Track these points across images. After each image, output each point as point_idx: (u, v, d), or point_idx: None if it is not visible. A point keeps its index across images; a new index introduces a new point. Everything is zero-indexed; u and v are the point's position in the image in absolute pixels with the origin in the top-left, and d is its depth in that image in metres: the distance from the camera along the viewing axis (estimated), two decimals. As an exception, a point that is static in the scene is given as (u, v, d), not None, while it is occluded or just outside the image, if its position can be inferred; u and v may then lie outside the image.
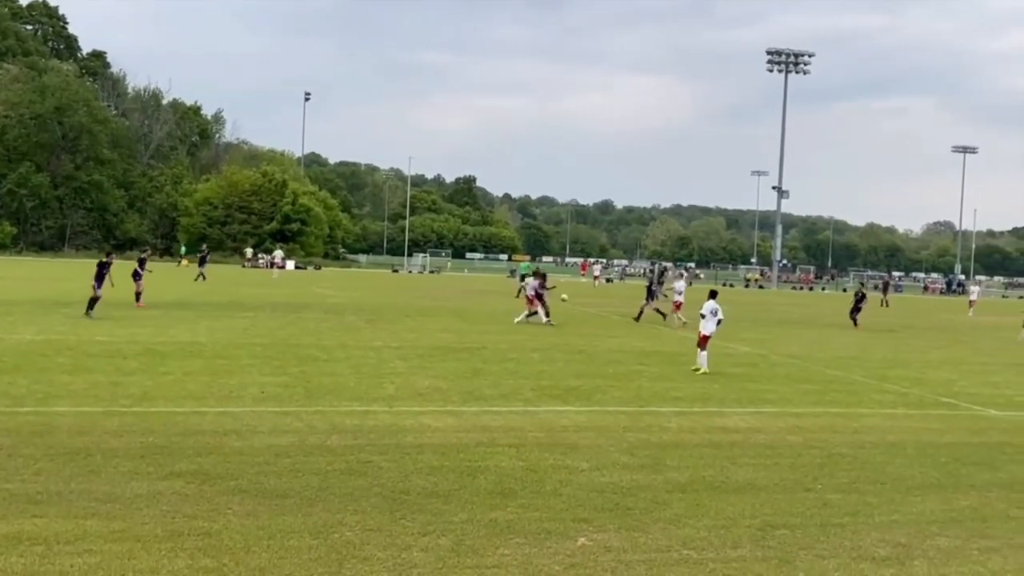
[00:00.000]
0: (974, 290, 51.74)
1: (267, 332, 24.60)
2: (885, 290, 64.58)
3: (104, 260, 28.79)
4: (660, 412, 14.74)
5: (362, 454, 10.88)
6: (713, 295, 20.99)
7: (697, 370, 19.79)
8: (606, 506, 9.16)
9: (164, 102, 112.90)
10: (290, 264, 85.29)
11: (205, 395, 14.50)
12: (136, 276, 31.56)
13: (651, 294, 35.48)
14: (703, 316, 20.31)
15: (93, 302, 26.76)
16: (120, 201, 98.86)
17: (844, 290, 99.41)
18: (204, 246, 64.52)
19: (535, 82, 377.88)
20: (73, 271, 56.34)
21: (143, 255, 33.65)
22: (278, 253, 72.65)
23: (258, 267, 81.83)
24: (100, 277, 27.52)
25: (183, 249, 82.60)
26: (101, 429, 11.62)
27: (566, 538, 8.12)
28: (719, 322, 20.53)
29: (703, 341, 20.02)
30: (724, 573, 7.44)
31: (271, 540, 7.70)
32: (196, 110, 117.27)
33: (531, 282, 32.94)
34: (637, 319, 33.87)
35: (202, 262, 52.42)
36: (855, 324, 36.42)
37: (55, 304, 30.52)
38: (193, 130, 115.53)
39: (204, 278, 49.16)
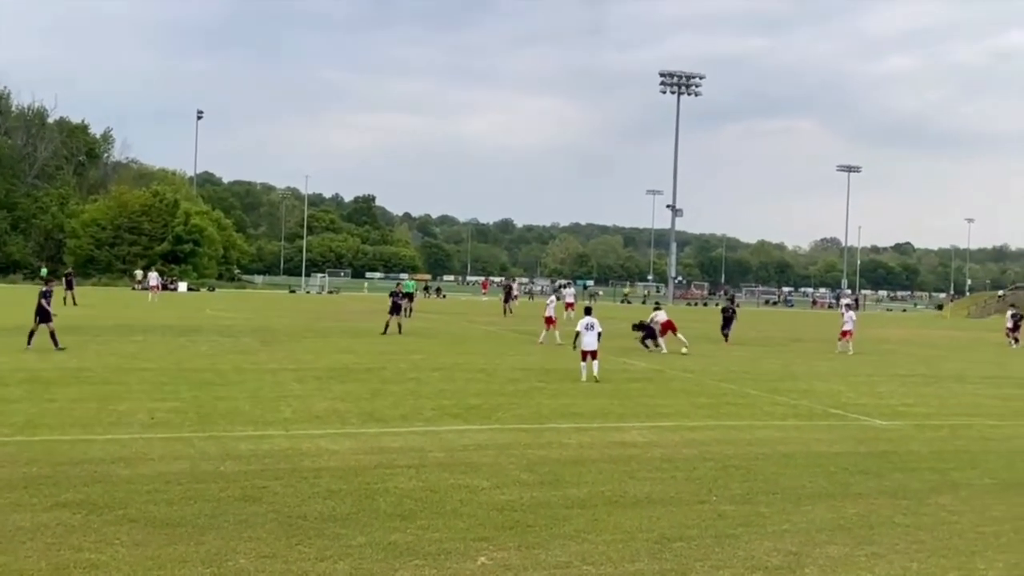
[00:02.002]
0: (849, 316, 35.73)
1: (158, 356, 23.91)
2: (731, 301, 67.18)
3: (45, 289, 26.09)
4: (560, 428, 14.85)
5: (257, 479, 10.64)
6: (588, 311, 22.05)
7: (595, 380, 20.62)
8: (506, 524, 9.17)
9: (50, 120, 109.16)
10: (183, 286, 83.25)
11: (92, 422, 13.99)
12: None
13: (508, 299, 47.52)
14: (579, 332, 21.03)
15: (33, 335, 24.75)
16: (2, 223, 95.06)
17: (737, 306, 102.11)
18: (70, 269, 62.20)
19: (433, 101, 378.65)
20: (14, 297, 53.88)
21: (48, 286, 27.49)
22: (152, 275, 69.11)
23: (149, 290, 79.60)
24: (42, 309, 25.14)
25: (44, 271, 79.66)
26: (-21, 460, 11.10)
27: (466, 558, 8.09)
28: (599, 335, 21.20)
29: (586, 356, 20.90)
30: (622, 587, 7.51)
31: (161, 570, 7.45)
32: (83, 128, 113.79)
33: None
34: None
35: (69, 285, 49.70)
36: (726, 340, 36.47)
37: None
38: (80, 149, 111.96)
39: (75, 302, 47.06)
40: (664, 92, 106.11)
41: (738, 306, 39.06)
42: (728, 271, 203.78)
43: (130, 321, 37.57)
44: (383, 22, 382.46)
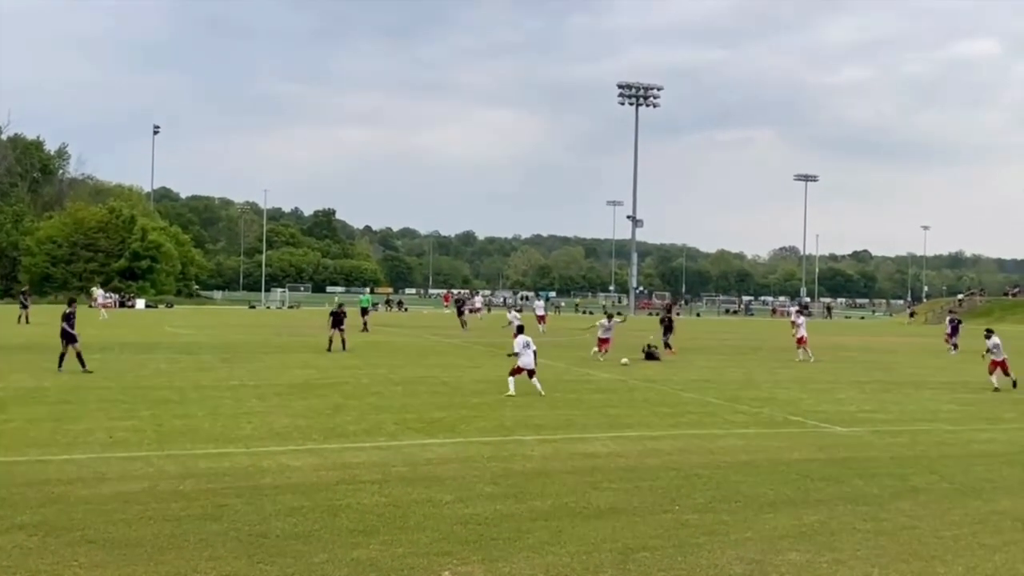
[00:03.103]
0: (800, 322, 36.17)
1: (115, 374, 23.57)
2: (668, 311, 67.80)
3: (68, 311, 24.85)
4: (523, 441, 14.84)
5: (217, 498, 10.52)
6: (520, 330, 22.01)
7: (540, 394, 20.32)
8: (470, 538, 9.14)
9: (3, 136, 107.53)
10: (140, 303, 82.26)
11: (49, 442, 13.76)
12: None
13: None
14: (518, 353, 20.69)
15: (63, 358, 23.89)
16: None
17: (698, 315, 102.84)
18: (26, 287, 61.12)
19: (391, 114, 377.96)
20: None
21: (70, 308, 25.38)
22: (98, 292, 67.46)
23: (106, 307, 78.48)
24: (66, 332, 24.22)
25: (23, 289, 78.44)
26: (-69, 484, 10.87)
27: (430, 572, 8.05)
28: (535, 353, 21.05)
29: (521, 372, 20.63)
30: (587, 599, 7.51)
31: (120, 593, 7.34)
32: (38, 145, 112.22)
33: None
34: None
35: (23, 304, 48.77)
36: (668, 348, 35.43)
37: None
38: (35, 165, 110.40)
39: (27, 320, 46.22)
40: (623, 103, 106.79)
41: (678, 314, 39.36)
42: (688, 281, 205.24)
43: (87, 339, 36.99)
44: (340, 35, 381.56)
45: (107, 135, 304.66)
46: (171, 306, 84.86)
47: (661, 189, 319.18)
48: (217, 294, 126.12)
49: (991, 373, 24.89)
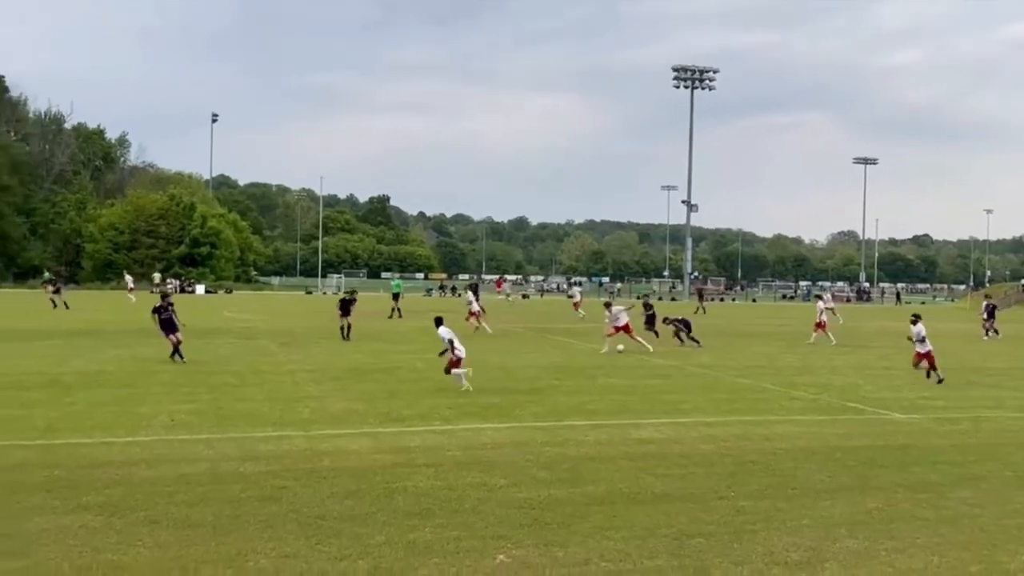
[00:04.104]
0: (819, 307, 36.46)
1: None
2: (701, 298, 66.99)
3: (159, 305, 24.09)
4: (576, 426, 14.85)
5: (277, 480, 10.70)
6: (439, 322, 20.10)
7: (466, 388, 18.69)
8: (524, 522, 9.18)
9: (66, 126, 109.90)
10: (200, 288, 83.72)
11: (113, 425, 14.10)
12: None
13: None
14: (450, 343, 19.03)
15: (178, 347, 23.22)
16: (21, 228, 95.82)
17: (754, 300, 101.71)
18: (59, 272, 62.04)
19: (444, 101, 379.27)
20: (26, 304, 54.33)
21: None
22: (128, 277, 68.25)
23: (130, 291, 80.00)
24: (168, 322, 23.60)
25: (47, 275, 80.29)
26: (3, 464, 11.21)
27: (484, 556, 8.11)
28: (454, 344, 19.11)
29: (460, 363, 19.04)
30: (642, 584, 7.52)
31: (183, 571, 7.52)
32: (99, 133, 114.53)
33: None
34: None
35: (57, 290, 49.67)
36: (697, 343, 31.85)
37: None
38: (97, 154, 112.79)
39: (67, 306, 46.85)
40: (678, 87, 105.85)
41: (721, 299, 38.03)
42: (744, 266, 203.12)
43: (148, 325, 37.78)
44: (393, 24, 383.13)
45: (167, 124, 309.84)
46: (230, 292, 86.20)
47: (716, 173, 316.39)
48: (275, 280, 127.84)
49: (916, 365, 22.59)
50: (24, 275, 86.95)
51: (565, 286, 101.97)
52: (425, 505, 9.75)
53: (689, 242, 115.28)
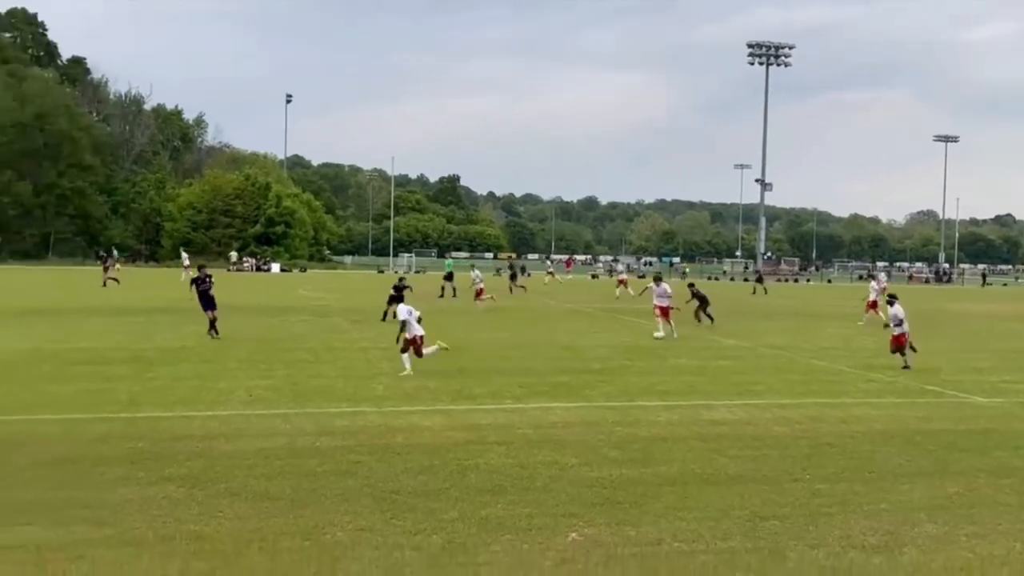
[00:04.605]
0: (872, 286, 35.64)
1: (254, 335, 24.53)
2: (759, 280, 66.09)
3: (197, 277, 24.57)
4: (648, 407, 14.79)
5: (352, 455, 10.88)
6: (400, 299, 18.88)
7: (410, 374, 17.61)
8: (596, 501, 9.19)
9: (145, 107, 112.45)
10: (276, 267, 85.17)
11: (193, 399, 14.47)
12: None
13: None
14: (405, 321, 18.09)
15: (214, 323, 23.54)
16: (103, 207, 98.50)
17: (829, 281, 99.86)
18: (111, 248, 63.11)
19: (514, 80, 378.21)
20: (58, 279, 56.09)
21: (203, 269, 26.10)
22: (185, 255, 69.19)
23: (243, 271, 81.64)
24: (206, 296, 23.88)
25: (116, 253, 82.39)
26: (88, 436, 11.59)
27: (556, 533, 8.15)
28: (419, 319, 18.37)
29: (413, 344, 17.93)
30: (715, 565, 7.48)
31: (263, 542, 7.70)
32: (178, 114, 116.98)
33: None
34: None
35: (107, 267, 50.08)
36: (712, 320, 30.81)
37: (40, 312, 30.36)
38: (175, 134, 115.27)
39: (117, 281, 47.46)
40: (752, 63, 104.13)
41: (759, 280, 35.90)
42: (820, 246, 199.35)
43: (226, 302, 38.61)
44: (468, 3, 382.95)
45: (242, 105, 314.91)
46: (304, 270, 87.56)
47: (791, 151, 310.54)
48: (347, 259, 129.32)
49: (894, 351, 20.64)
50: (105, 253, 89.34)
51: (613, 264, 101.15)
52: (497, 482, 9.83)
53: (763, 222, 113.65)
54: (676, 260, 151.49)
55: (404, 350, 18.00)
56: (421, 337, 18.04)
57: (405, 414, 13.62)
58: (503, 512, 8.73)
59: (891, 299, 21.61)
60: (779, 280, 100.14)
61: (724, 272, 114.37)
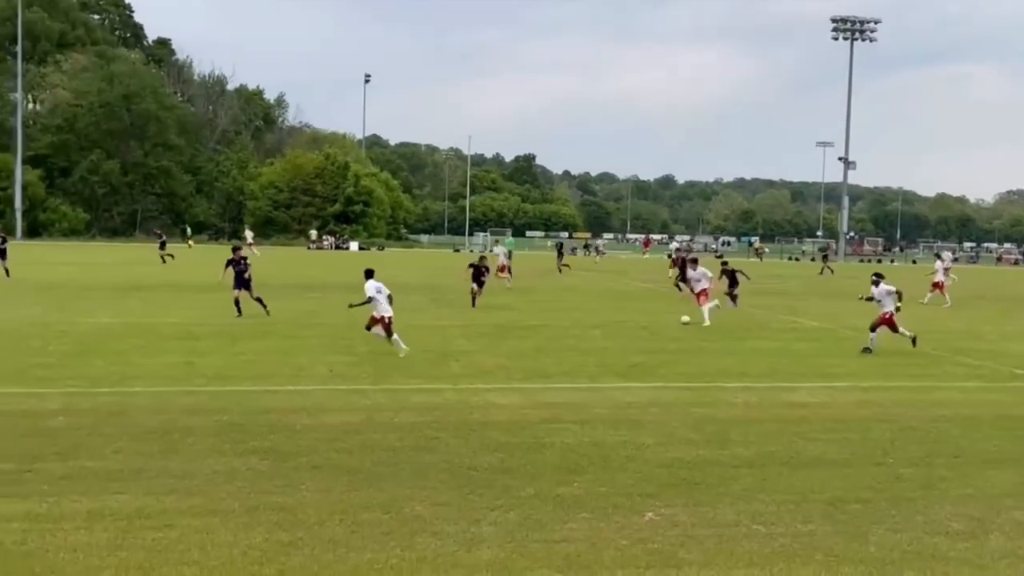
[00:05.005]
0: (938, 266, 35.01)
1: (334, 312, 24.90)
2: (825, 259, 64.47)
3: (233, 259, 24.04)
4: (726, 388, 14.65)
5: (430, 431, 11.02)
6: (369, 274, 17.89)
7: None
8: (673, 481, 9.17)
9: (228, 87, 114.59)
10: (354, 245, 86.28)
11: (276, 374, 14.81)
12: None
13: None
14: (373, 298, 17.36)
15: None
16: (188, 186, 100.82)
17: (914, 262, 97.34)
18: (159, 229, 64.02)
19: (592, 58, 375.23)
20: (145, 256, 57.67)
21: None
22: (248, 233, 69.70)
23: (323, 249, 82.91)
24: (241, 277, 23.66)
25: (189, 231, 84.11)
26: (177, 408, 11.96)
27: (633, 513, 8.15)
28: (390, 297, 17.59)
29: (379, 323, 17.36)
30: (795, 548, 7.40)
31: (344, 515, 7.87)
32: (259, 95, 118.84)
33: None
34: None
35: (162, 245, 51.22)
36: (733, 301, 28.26)
37: (129, 288, 31.31)
38: (257, 114, 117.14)
39: (172, 257, 48.36)
40: (836, 39, 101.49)
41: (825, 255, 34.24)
42: (904, 226, 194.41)
43: (306, 280, 39.34)
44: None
45: (322, 85, 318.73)
46: (382, 249, 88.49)
47: (875, 129, 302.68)
48: (424, 238, 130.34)
49: (873, 329, 19.37)
50: (191, 231, 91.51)
51: (675, 245, 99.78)
52: (573, 461, 9.86)
53: (846, 201, 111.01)
54: (755, 239, 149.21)
55: (369, 327, 17.45)
56: (390, 317, 17.16)
57: (481, 392, 13.73)
58: (579, 490, 8.76)
59: (876, 278, 20.02)
60: (861, 260, 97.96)
61: (803, 252, 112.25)
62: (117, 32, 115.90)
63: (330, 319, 23.11)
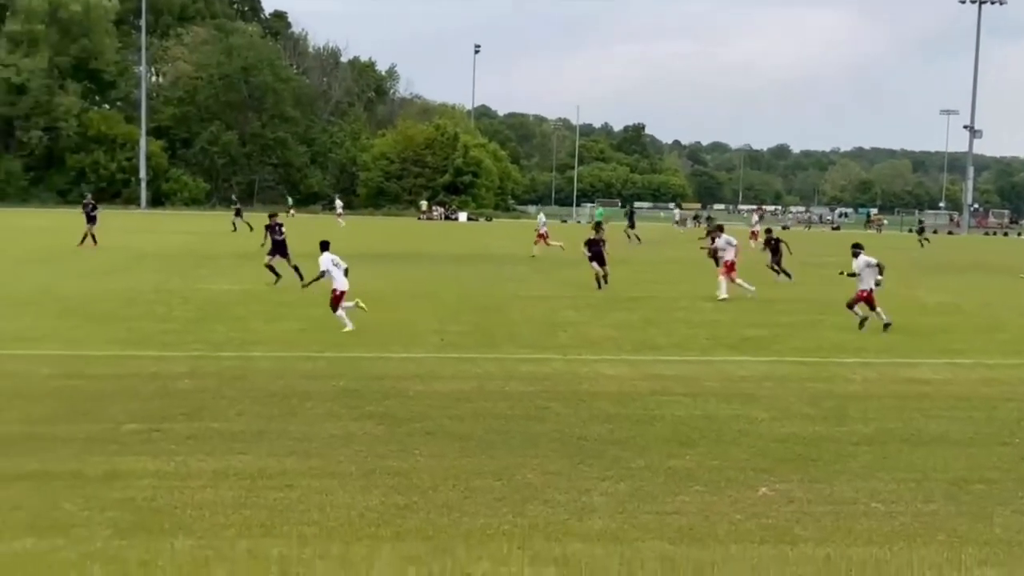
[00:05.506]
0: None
1: (443, 282, 25.25)
2: (921, 231, 62.00)
3: (271, 224, 24.58)
4: (843, 363, 14.28)
5: (539, 400, 11.08)
6: (324, 246, 17.10)
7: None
8: (788, 457, 9.01)
9: (342, 60, 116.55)
10: (463, 216, 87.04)
11: (389, 342, 15.09)
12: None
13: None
14: (326, 271, 16.73)
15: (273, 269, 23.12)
16: (303, 157, 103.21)
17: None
18: (235, 198, 64.67)
19: (703, 25, 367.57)
20: (262, 224, 59.45)
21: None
22: (339, 203, 70.46)
23: (432, 219, 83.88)
24: (280, 244, 23.85)
25: (291, 201, 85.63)
26: (296, 373, 12.32)
27: (746, 487, 8.05)
28: (346, 271, 16.86)
29: (342, 297, 16.50)
30: (915, 527, 7.20)
31: (457, 480, 7.99)
32: (371, 66, 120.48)
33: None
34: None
35: (238, 213, 51.17)
36: (778, 274, 28.16)
37: (249, 256, 32.30)
38: (369, 86, 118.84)
39: (249, 227, 46.91)
40: (963, 1, 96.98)
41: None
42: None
43: (417, 250, 39.93)
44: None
45: (431, 57, 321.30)
46: (490, 219, 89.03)
47: (1003, 96, 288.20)
48: (531, 208, 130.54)
49: (851, 306, 17.93)
50: (306, 201, 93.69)
51: (756, 218, 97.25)
52: (684, 434, 9.78)
53: (970, 171, 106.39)
54: (873, 211, 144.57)
55: (334, 308, 16.37)
56: (343, 292, 16.42)
57: (590, 362, 13.72)
58: (691, 463, 8.70)
59: (856, 250, 18.31)
60: (986, 233, 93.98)
61: (921, 222, 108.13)
62: (235, 5, 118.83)
63: (440, 289, 23.41)
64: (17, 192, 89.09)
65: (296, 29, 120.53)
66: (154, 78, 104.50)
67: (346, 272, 16.77)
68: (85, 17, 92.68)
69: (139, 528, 6.78)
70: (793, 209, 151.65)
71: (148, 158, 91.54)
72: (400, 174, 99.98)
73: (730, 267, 22.85)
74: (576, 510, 7.37)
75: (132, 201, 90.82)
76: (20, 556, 6.25)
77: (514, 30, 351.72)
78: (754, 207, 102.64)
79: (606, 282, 24.07)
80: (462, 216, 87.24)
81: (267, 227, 24.99)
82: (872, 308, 17.80)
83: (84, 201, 38.02)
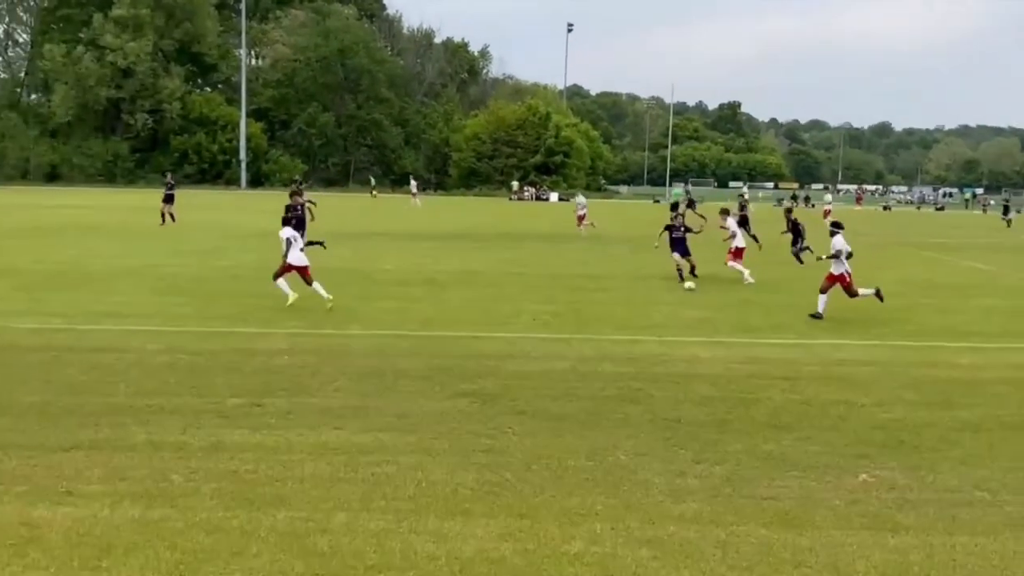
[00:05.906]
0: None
1: (536, 262, 25.29)
2: (1006, 211, 59.07)
3: (292, 203, 22.87)
4: (948, 347, 13.84)
5: (633, 382, 11.01)
6: (287, 221, 17.07)
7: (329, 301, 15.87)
8: (889, 443, 8.78)
9: (435, 41, 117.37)
10: (554, 196, 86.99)
11: (482, 321, 15.19)
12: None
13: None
14: (290, 240, 16.38)
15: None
16: (397, 138, 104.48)
17: None
18: (298, 177, 63.87)
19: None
20: (357, 205, 60.43)
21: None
22: (414, 183, 70.49)
23: (523, 200, 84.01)
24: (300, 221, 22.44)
25: (373, 181, 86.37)
26: (392, 351, 12.50)
27: (846, 473, 7.88)
28: (301, 248, 16.55)
29: (290, 271, 16.33)
30: (1023, 518, 6.95)
31: (550, 460, 8.01)
32: (464, 47, 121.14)
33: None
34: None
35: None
36: (800, 261, 26.47)
37: (345, 236, 32.86)
38: (462, 67, 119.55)
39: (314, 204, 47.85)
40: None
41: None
42: None
43: (509, 229, 40.05)
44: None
45: (524, 36, 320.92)
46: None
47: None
48: (623, 188, 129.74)
49: (824, 291, 16.33)
50: (399, 181, 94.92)
51: (829, 197, 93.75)
52: (782, 418, 9.61)
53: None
54: (978, 191, 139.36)
55: (276, 275, 16.32)
56: (297, 267, 16.22)
57: (684, 344, 13.58)
58: (789, 448, 8.54)
59: (834, 229, 17.13)
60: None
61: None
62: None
63: (532, 269, 23.46)
64: (123, 173, 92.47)
65: (391, 11, 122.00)
66: (253, 61, 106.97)
67: (302, 248, 16.55)
68: (188, 1, 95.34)
69: (241, 499, 6.98)
70: (895, 189, 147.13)
71: (248, 139, 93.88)
72: (492, 155, 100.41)
73: (736, 253, 22.17)
74: (671, 492, 7.32)
75: (233, 182, 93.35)
76: (131, 524, 6.50)
77: (607, 7, 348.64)
78: (854, 186, 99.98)
79: (694, 275, 21.19)
80: (553, 196, 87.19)
81: (287, 207, 22.65)
82: (824, 291, 16.36)
83: (165, 180, 39.21)
